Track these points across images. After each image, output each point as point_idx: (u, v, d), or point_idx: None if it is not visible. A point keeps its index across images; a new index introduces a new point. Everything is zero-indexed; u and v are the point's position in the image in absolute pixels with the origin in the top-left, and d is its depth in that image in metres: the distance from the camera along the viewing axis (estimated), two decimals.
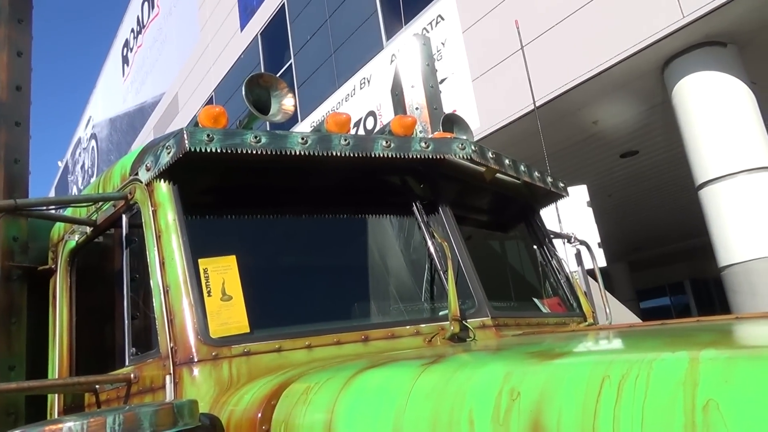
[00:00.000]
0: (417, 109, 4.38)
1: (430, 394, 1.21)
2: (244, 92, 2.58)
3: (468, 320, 2.22)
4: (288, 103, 2.79)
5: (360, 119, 11.67)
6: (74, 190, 30.84)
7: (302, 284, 2.28)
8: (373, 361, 1.55)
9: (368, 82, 12.15)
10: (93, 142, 29.11)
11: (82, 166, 31.00)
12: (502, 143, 9.37)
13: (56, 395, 2.49)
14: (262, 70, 15.73)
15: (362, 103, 11.94)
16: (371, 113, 11.70)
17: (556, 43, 8.63)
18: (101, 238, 2.59)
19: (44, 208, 2.48)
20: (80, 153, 31.75)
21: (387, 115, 10.89)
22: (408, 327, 2.17)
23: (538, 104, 8.75)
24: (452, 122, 3.45)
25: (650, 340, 1.35)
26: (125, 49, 25.77)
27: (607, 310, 3.77)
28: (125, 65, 25.78)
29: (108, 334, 2.61)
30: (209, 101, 17.70)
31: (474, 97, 10.04)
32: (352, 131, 3.97)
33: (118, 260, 2.39)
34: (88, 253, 2.62)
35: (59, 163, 36.25)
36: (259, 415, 1.56)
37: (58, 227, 2.75)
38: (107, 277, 2.61)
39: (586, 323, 2.83)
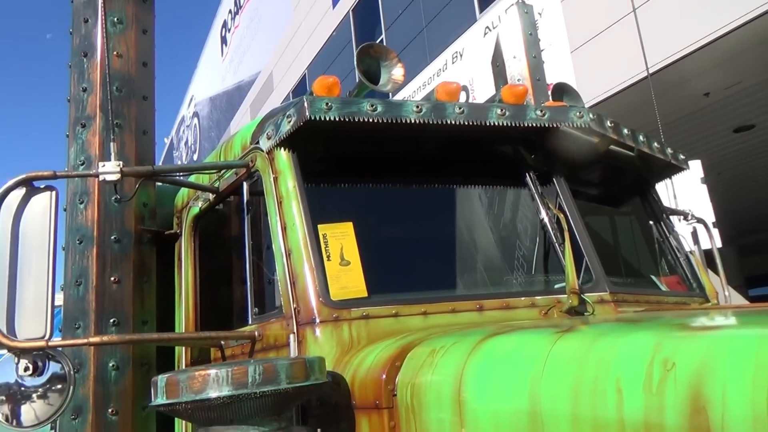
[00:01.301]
0: (519, 80, 4.25)
1: (569, 362, 1.19)
2: (355, 62, 2.61)
3: (585, 294, 2.15)
4: (397, 72, 2.79)
5: None
6: None
7: (416, 252, 2.30)
8: (499, 328, 1.54)
9: (460, 56, 11.93)
10: (195, 120, 30.75)
11: (186, 143, 32.87)
12: None
13: (183, 349, 2.68)
14: (354, 47, 15.87)
15: (454, 78, 11.73)
16: (464, 88, 11.45)
17: (666, 9, 8.05)
18: (221, 205, 2.73)
19: (176, 174, 2.63)
20: (184, 130, 33.67)
21: (480, 89, 10.66)
22: (523, 299, 2.14)
23: (643, 76, 8.24)
24: (563, 91, 3.32)
25: None
26: (224, 30, 26.85)
27: (726, 293, 3.54)
28: (224, 45, 26.88)
29: (226, 294, 2.76)
30: (302, 79, 18.11)
31: (573, 70, 9.60)
32: None
33: (239, 225, 2.51)
34: (209, 219, 2.78)
35: (165, 139, 38.63)
36: (384, 376, 1.60)
37: (182, 194, 2.93)
38: (227, 241, 2.75)
39: (709, 304, 2.67)
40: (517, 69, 4.32)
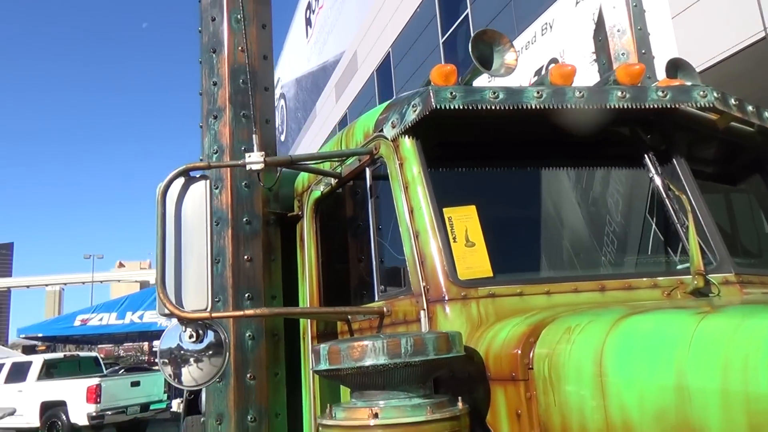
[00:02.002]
0: (623, 54, 4.15)
1: (718, 340, 1.25)
2: (470, 48, 2.68)
3: (709, 275, 2.15)
4: (510, 57, 2.84)
5: (541, 67, 11.23)
6: None
7: (537, 233, 2.38)
8: (633, 308, 1.61)
9: (550, 27, 11.59)
10: (282, 102, 31.74)
11: None
12: None
13: (309, 322, 2.91)
14: (438, 23, 15.74)
15: (544, 51, 11.44)
16: (553, 60, 11.18)
17: None
18: (341, 189, 2.91)
19: (308, 162, 2.84)
20: None
21: (571, 61, 10.30)
22: (645, 279, 2.17)
23: (748, 43, 7.70)
24: (677, 67, 3.23)
25: None
26: (308, 12, 27.40)
27: None
28: (308, 27, 27.46)
29: (346, 272, 2.96)
30: (386, 57, 18.21)
31: (674, 37, 9.11)
32: (533, 80, 3.72)
33: (362, 208, 2.68)
34: (330, 202, 2.97)
35: None
36: (519, 350, 1.71)
37: (303, 178, 3.14)
38: (349, 222, 2.94)
39: None
40: (621, 42, 4.21)
